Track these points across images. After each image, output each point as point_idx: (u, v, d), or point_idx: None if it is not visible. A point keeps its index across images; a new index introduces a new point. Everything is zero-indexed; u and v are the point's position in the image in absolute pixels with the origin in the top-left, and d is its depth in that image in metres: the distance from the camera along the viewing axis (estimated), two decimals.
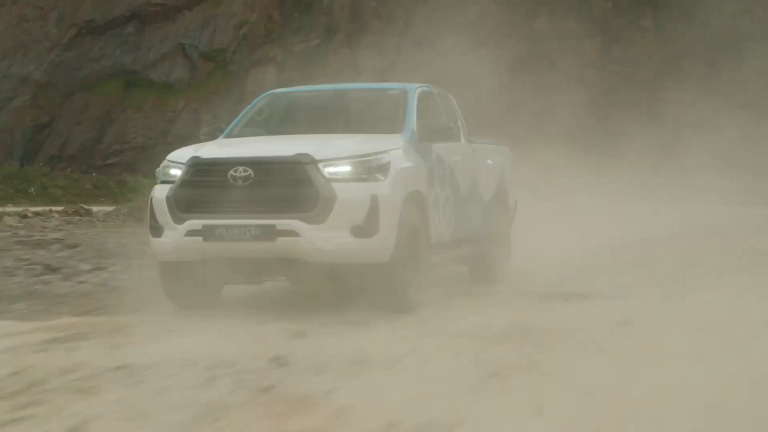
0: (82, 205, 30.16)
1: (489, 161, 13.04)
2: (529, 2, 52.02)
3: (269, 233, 9.19)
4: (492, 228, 12.71)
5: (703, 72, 40.09)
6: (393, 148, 9.91)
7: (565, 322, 9.00)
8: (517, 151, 14.34)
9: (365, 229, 9.26)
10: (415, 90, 11.32)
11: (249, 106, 11.81)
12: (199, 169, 9.65)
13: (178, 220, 9.53)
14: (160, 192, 9.76)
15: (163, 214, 9.64)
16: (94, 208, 28.65)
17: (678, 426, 5.52)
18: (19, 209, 27.32)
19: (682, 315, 9.44)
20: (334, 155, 9.43)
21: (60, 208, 28.22)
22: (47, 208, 28.69)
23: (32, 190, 39.42)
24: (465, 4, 53.86)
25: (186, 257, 9.65)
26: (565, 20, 51.17)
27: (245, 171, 9.32)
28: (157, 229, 9.75)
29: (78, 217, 25.99)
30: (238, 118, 11.52)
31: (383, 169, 9.54)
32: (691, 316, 9.32)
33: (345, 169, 9.36)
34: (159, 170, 10.02)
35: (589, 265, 14.12)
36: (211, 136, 11.02)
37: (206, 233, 9.37)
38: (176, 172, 9.74)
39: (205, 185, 9.60)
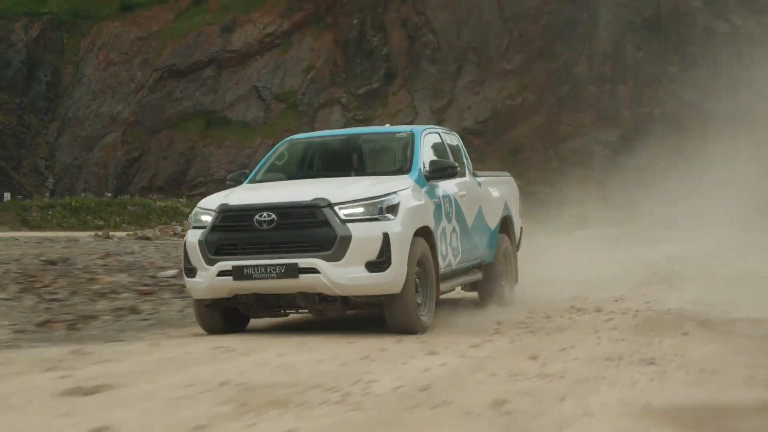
0: None
1: (494, 193, 12.73)
2: (569, 51, 51.98)
3: (293, 271, 9.24)
4: (499, 254, 12.47)
5: (725, 113, 40.25)
6: (402, 188, 9.86)
7: None
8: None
9: (378, 264, 9.27)
10: (421, 132, 11.19)
11: (270, 152, 11.81)
12: (227, 215, 9.68)
13: (210, 262, 9.58)
14: (193, 236, 9.80)
15: (196, 257, 9.70)
16: None
17: None
18: None
19: None
20: (349, 198, 9.45)
21: None
22: None
23: None
24: (511, 53, 54.03)
25: (217, 295, 9.71)
26: (602, 66, 51.06)
27: (269, 216, 9.39)
28: (191, 270, 9.80)
29: None
30: (260, 163, 11.55)
31: (393, 208, 9.50)
32: None
33: (358, 210, 9.38)
34: (191, 216, 10.08)
35: None
36: (237, 181, 11.10)
37: (236, 273, 9.42)
38: (207, 218, 9.77)
39: (234, 229, 9.63)
